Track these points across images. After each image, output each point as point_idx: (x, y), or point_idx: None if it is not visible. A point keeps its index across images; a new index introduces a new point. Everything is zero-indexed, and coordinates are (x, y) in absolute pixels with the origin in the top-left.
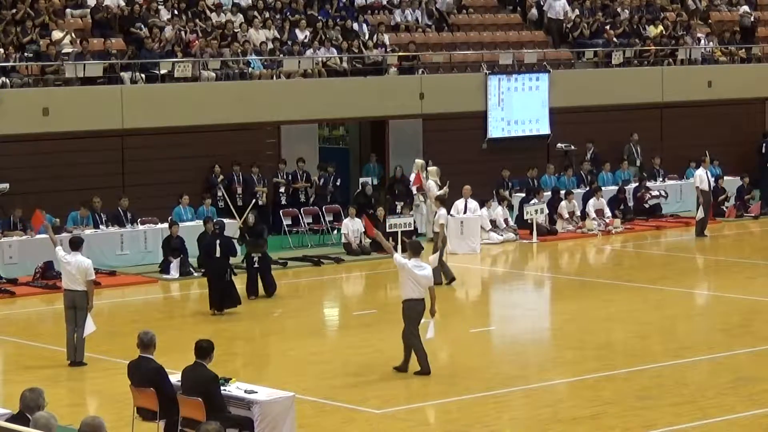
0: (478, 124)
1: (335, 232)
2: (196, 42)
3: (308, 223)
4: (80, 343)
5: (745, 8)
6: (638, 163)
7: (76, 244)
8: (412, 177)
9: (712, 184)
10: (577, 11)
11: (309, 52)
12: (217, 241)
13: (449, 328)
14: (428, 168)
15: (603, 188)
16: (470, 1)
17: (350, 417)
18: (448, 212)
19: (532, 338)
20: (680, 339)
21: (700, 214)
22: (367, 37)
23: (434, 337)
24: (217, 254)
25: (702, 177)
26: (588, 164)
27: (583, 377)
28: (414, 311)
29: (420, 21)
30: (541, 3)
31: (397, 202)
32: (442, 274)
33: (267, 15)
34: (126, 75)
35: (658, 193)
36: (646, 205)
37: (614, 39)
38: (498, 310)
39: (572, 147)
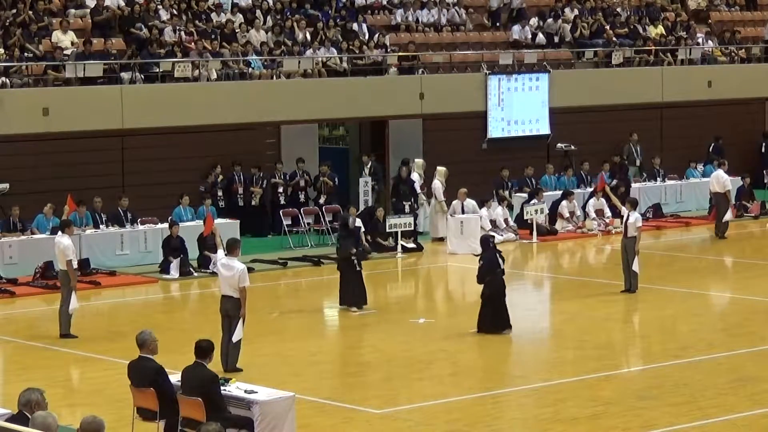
0: (478, 124)
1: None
2: (195, 42)
3: (308, 223)
4: (65, 317)
5: None
6: (638, 163)
7: (60, 225)
8: (415, 177)
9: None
10: (576, 11)
11: (309, 52)
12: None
13: (449, 328)
14: (437, 168)
15: None
16: (470, 2)
17: (350, 417)
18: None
19: (532, 338)
20: (680, 339)
21: (728, 216)
22: (367, 37)
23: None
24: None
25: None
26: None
27: (583, 377)
28: (222, 307)
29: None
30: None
31: (404, 202)
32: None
33: (268, 15)
34: (126, 75)
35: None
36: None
37: (614, 39)
38: None
39: (572, 147)
